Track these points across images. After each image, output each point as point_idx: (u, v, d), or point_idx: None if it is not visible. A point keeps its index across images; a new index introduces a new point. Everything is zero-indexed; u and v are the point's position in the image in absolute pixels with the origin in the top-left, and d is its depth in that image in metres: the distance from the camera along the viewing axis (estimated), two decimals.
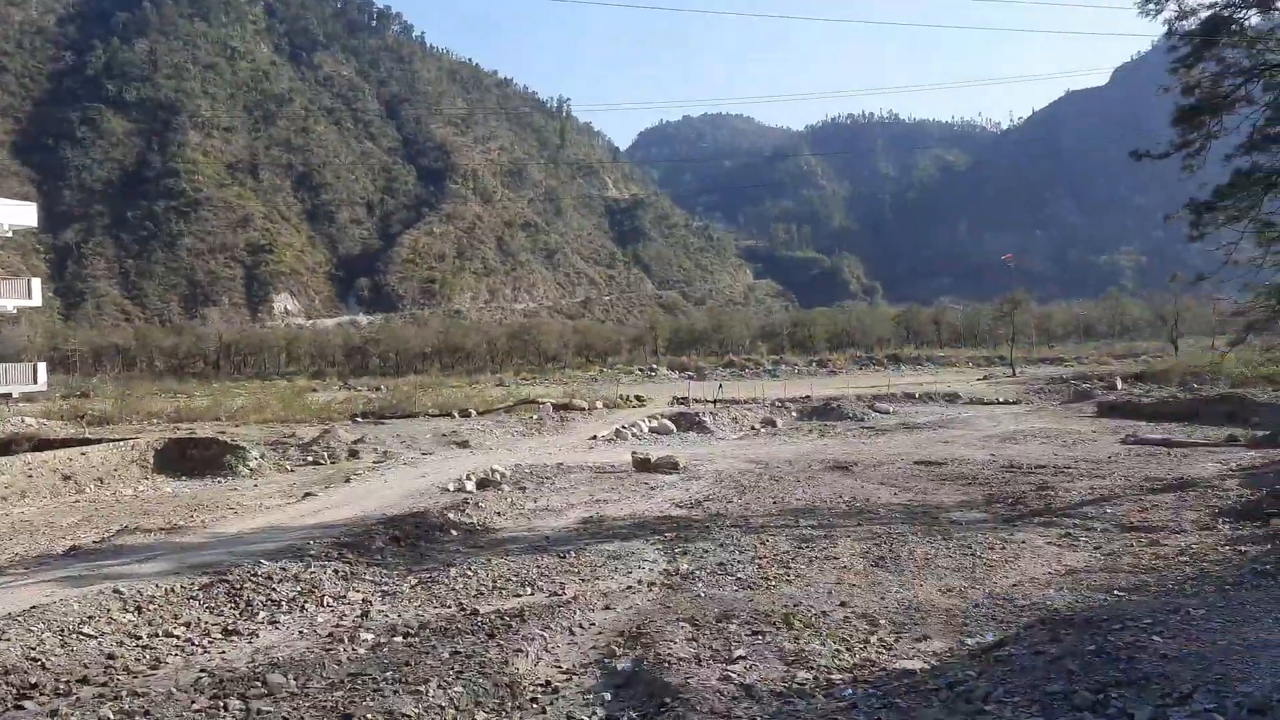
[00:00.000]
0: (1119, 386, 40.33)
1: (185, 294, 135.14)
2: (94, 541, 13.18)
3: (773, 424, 31.18)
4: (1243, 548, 10.90)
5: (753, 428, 30.70)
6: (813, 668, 7.39)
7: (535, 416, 31.72)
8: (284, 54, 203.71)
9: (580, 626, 8.76)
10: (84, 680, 7.41)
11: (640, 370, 71.26)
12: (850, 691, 6.78)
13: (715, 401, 36.91)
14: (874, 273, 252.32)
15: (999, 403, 38.09)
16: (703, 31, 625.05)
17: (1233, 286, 18.41)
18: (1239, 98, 16.43)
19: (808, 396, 37.86)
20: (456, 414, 32.06)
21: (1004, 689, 5.97)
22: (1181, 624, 6.66)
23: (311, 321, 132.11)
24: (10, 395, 28.92)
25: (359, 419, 30.47)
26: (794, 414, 33.74)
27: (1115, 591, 9.22)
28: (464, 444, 25.48)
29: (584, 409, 34.53)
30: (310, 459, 22.60)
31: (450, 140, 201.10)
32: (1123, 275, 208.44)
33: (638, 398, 40.19)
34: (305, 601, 9.72)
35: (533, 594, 10.12)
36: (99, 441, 21.35)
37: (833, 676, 7.19)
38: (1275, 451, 19.83)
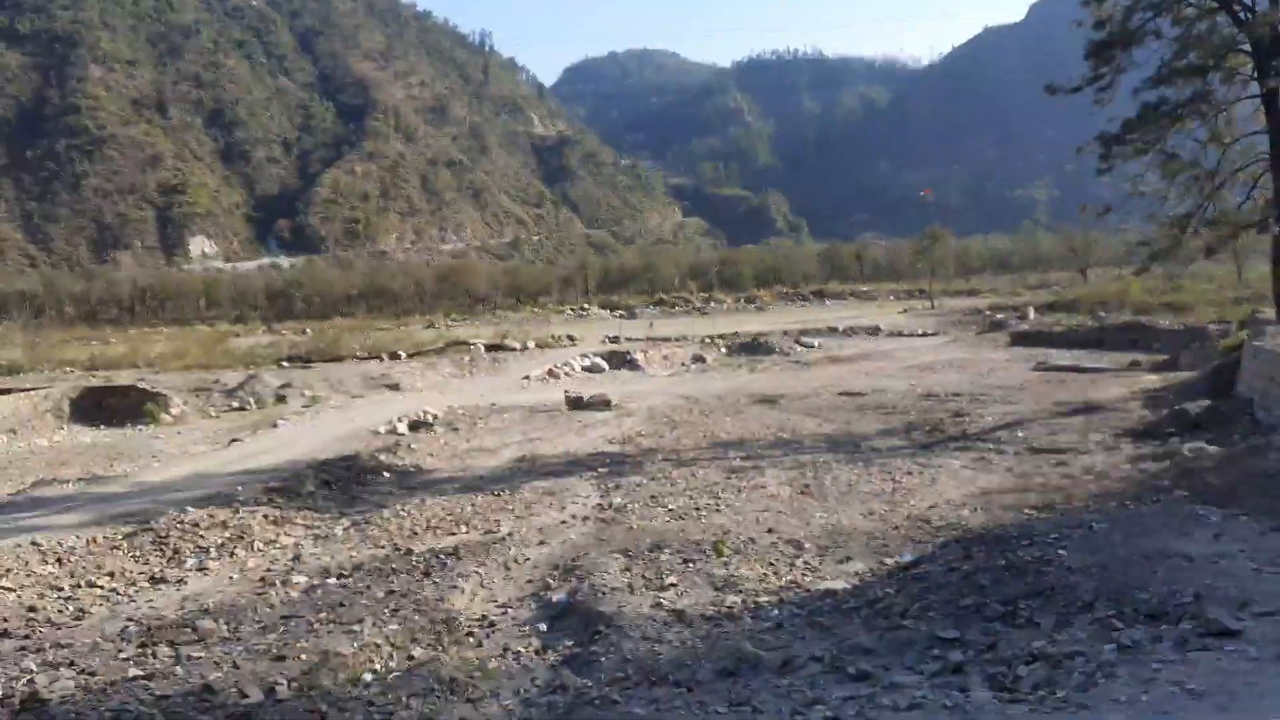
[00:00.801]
0: (1031, 316, 41.72)
1: (94, 237, 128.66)
2: (9, 494, 12.69)
3: (702, 360, 31.54)
4: (1143, 466, 11.50)
5: (683, 364, 30.98)
6: (741, 592, 7.60)
7: (466, 358, 31.45)
8: None
9: (515, 562, 8.83)
10: (4, 634, 7.18)
11: (572, 310, 70.74)
12: (776, 612, 7.00)
13: (646, 339, 37.02)
14: (799, 209, 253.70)
15: (918, 335, 39.02)
16: None
17: (1138, 217, 19.02)
18: (1148, 32, 16.78)
19: (736, 333, 38.23)
20: (385, 357, 31.56)
21: (920, 604, 6.23)
22: (1085, 538, 7.01)
23: (231, 265, 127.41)
24: None
25: (285, 363, 29.75)
26: (723, 350, 34.15)
27: (1025, 510, 9.65)
28: (394, 386, 25.17)
29: (516, 349, 34.39)
30: (235, 405, 22.06)
31: (369, 76, 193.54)
32: (1036, 208, 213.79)
33: (569, 337, 40.13)
34: (235, 547, 9.56)
35: (467, 532, 10.14)
36: (10, 391, 20.42)
37: (760, 599, 7.41)
38: (1174, 375, 20.84)
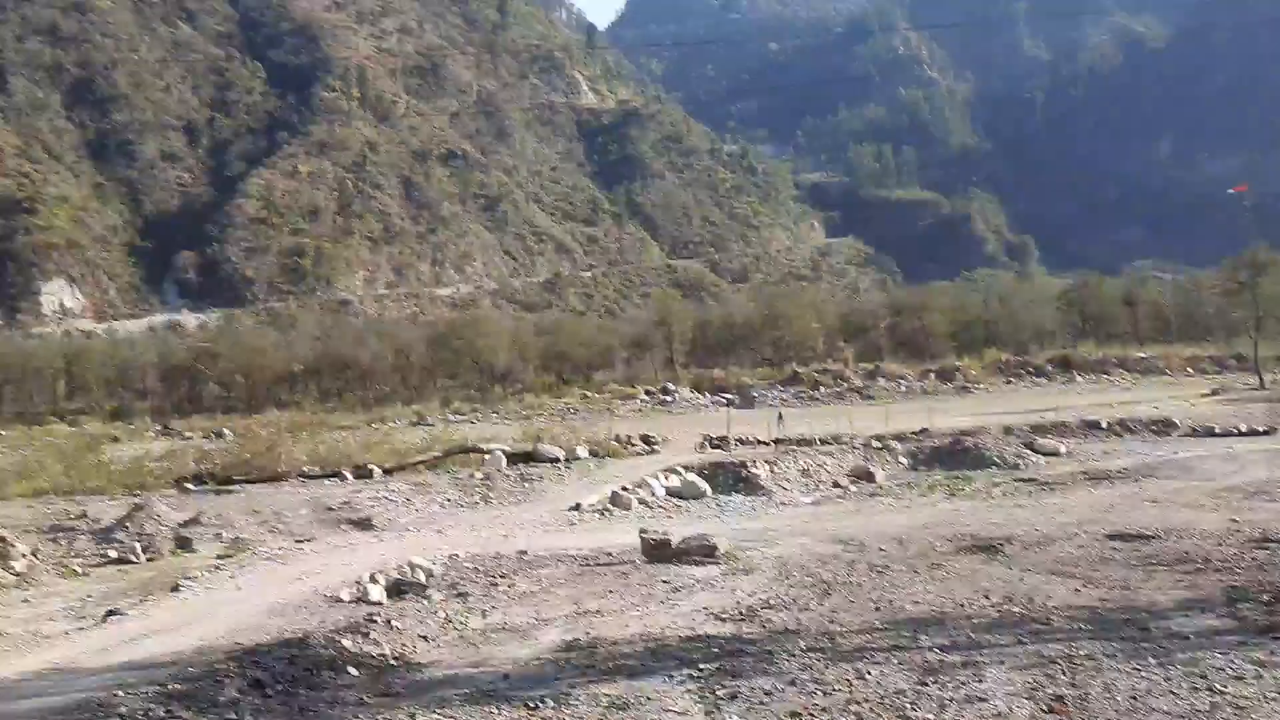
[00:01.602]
0: None
1: None
2: None
3: (869, 477, 31.37)
4: None
5: (836, 484, 30.94)
6: None
7: (479, 475, 31.76)
8: None
9: None
10: None
11: (648, 394, 71.12)
12: None
13: (774, 443, 36.94)
14: (1022, 221, 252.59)
15: (1239, 433, 38.25)
16: None
17: None
18: None
19: (924, 430, 38.18)
20: (349, 473, 32.12)
21: None
22: None
23: (106, 325, 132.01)
24: None
25: (190, 485, 30.51)
26: (903, 460, 34.05)
27: None
28: (364, 523, 25.53)
29: (558, 459, 34.62)
30: (114, 554, 22.64)
31: (320, 20, 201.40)
32: None
33: (645, 439, 40.30)
34: None
35: None
36: None
37: None
38: None
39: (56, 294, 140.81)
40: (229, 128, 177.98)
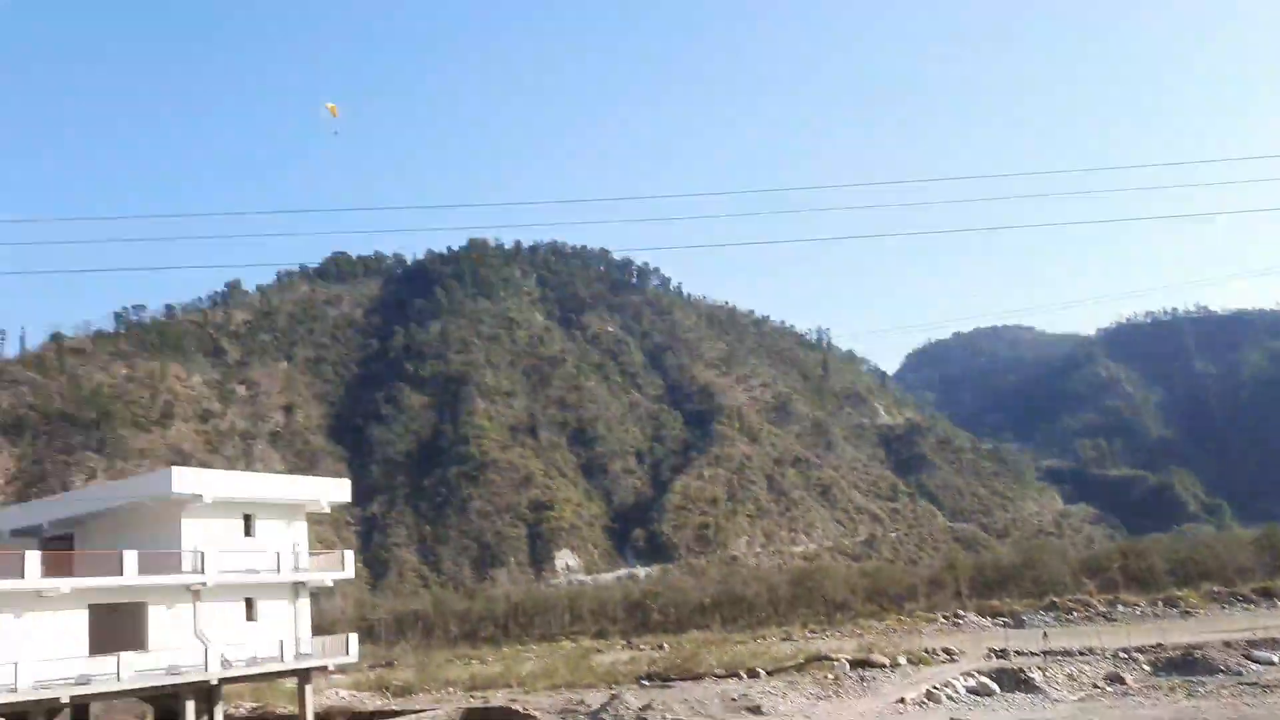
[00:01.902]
0: None
1: (475, 556, 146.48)
2: None
3: (1120, 680, 27.64)
4: None
5: (1095, 685, 27.48)
6: None
7: (830, 676, 30.36)
8: (555, 319, 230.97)
9: None
10: None
11: (944, 618, 66.22)
12: None
13: (1043, 654, 33.48)
14: (1215, 488, 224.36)
15: None
16: (971, 245, 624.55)
17: None
18: None
19: (1160, 645, 33.56)
20: (744, 674, 31.49)
21: None
22: None
23: (591, 577, 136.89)
24: (326, 668, 31.81)
25: (644, 682, 30.69)
26: (1146, 667, 29.97)
27: None
28: (755, 710, 24.93)
29: (885, 665, 32.70)
30: None
31: (713, 382, 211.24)
32: None
33: (946, 650, 37.54)
34: None
35: None
36: (402, 713, 22.94)
37: None
38: None
39: (564, 559, 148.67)
40: (661, 451, 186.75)
